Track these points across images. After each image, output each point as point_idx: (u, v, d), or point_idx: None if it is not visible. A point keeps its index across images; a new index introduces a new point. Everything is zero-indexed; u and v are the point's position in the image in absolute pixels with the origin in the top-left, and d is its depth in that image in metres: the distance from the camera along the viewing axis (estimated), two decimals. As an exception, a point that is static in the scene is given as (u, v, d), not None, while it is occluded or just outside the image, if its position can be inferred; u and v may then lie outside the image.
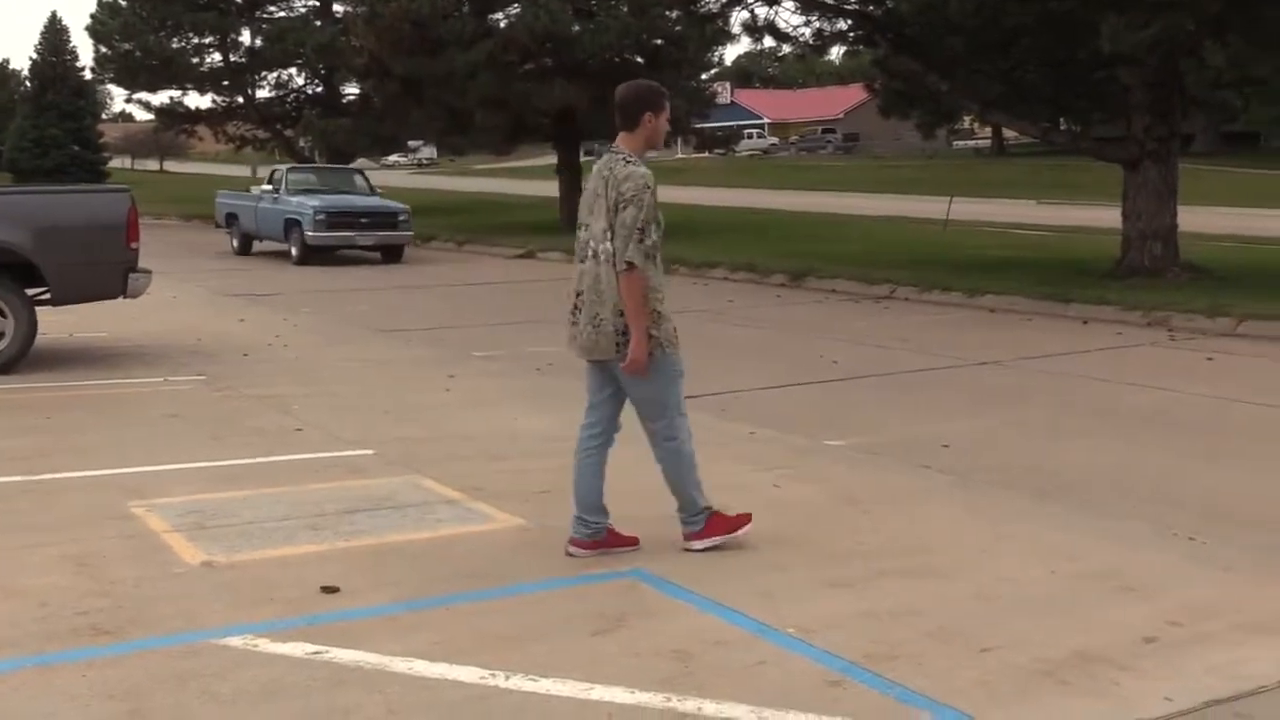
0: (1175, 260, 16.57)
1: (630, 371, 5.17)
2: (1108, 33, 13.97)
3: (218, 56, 38.60)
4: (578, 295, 5.25)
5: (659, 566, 5.28)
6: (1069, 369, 10.68)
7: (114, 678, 4.10)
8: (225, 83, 39.12)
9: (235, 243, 24.80)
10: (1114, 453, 7.61)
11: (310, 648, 4.35)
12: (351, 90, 38.20)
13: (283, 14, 38.58)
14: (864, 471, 7.08)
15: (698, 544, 5.50)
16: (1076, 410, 8.97)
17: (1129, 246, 16.75)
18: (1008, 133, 60.40)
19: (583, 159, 34.53)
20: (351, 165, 31.37)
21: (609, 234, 5.09)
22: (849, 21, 19.26)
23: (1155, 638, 4.52)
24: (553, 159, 31.46)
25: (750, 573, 5.23)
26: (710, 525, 5.53)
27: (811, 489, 6.67)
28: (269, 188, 23.22)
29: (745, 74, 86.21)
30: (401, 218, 22.54)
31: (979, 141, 78.07)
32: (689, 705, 3.92)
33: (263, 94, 39.84)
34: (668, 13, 25.28)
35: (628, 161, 5.18)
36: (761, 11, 19.38)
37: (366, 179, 25.07)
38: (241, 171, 62.22)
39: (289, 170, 24.40)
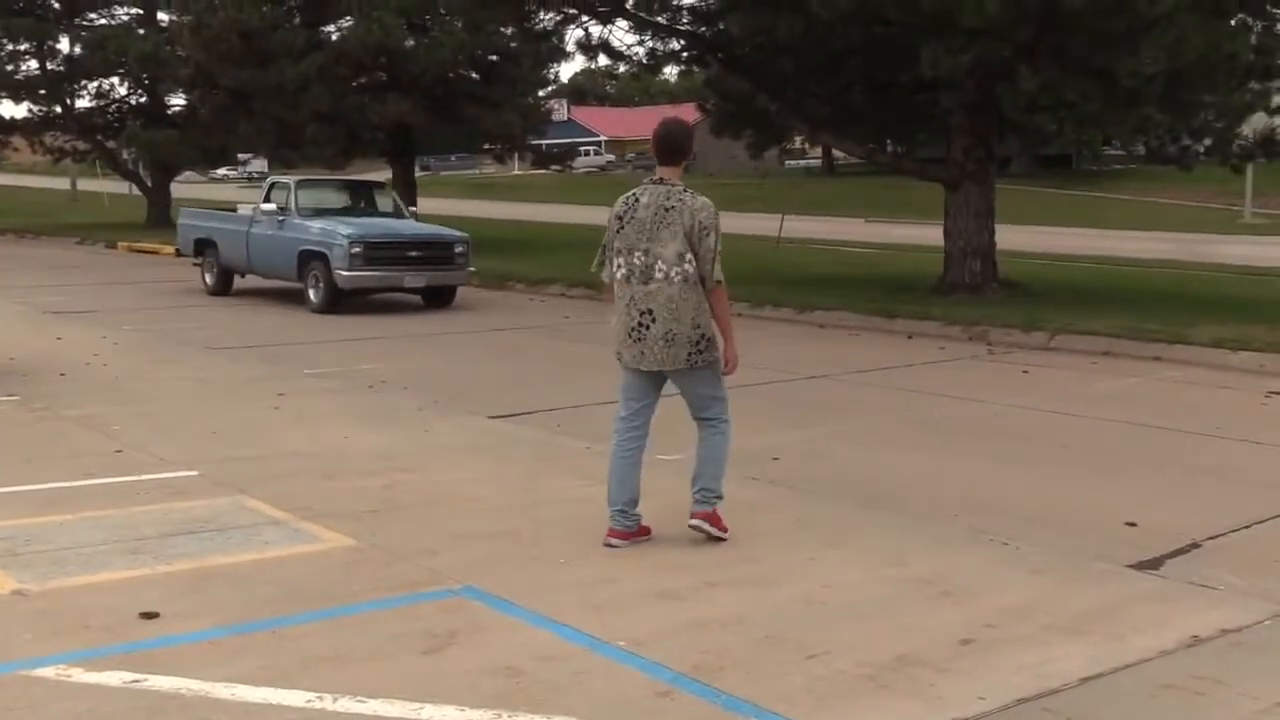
0: (994, 277, 17.25)
1: (730, 372, 5.91)
2: (927, 58, 14.48)
3: (34, 64, 37.00)
4: (644, 314, 5.65)
5: (490, 583, 5.26)
6: (895, 382, 11.01)
7: (-88, 714, 3.90)
8: (42, 91, 37.49)
9: (209, 279, 18.77)
10: (936, 462, 7.88)
11: (128, 676, 4.20)
12: (177, 101, 37.05)
13: (104, 21, 37.21)
14: (696, 484, 7.16)
15: (708, 527, 5.90)
16: (901, 422, 9.25)
17: (950, 264, 17.37)
18: (837, 152, 61.99)
19: (418, 174, 34.24)
20: (373, 177, 23.54)
21: (683, 257, 5.55)
22: (681, 41, 19.54)
23: (971, 640, 4.69)
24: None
25: (582, 586, 5.25)
26: (715, 517, 5.93)
27: (644, 503, 6.70)
28: (270, 207, 17.16)
29: (581, 91, 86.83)
30: (459, 249, 16.88)
31: (810, 161, 79.88)
32: (519, 721, 3.92)
33: (83, 104, 38.30)
34: (502, 29, 25.27)
35: (691, 193, 5.64)
36: (596, 30, 19.55)
37: (394, 195, 19.42)
38: (59, 184, 59.79)
39: (299, 184, 17.62)
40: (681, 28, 19.43)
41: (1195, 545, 6.01)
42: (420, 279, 16.48)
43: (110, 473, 7.20)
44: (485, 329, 14.83)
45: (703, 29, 19.46)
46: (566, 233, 33.00)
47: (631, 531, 5.88)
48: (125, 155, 38.67)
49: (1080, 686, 4.28)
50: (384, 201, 18.62)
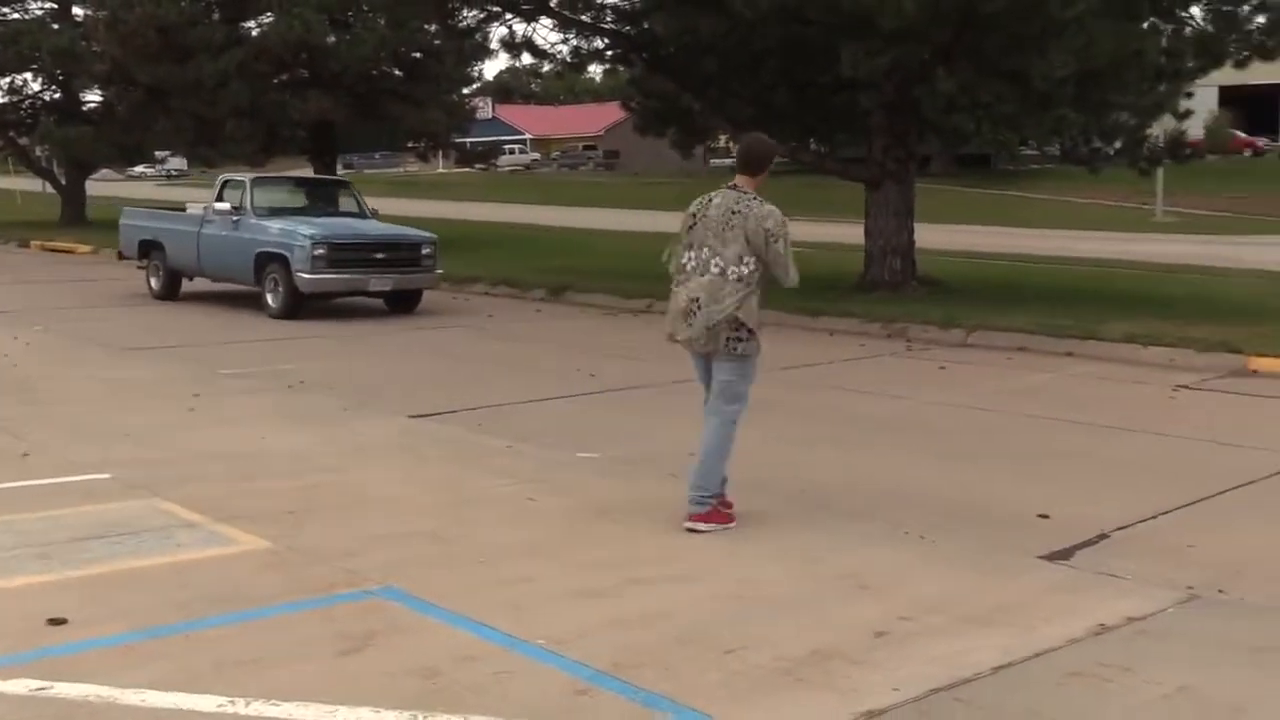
0: (913, 275, 17.47)
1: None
2: (847, 58, 14.63)
3: (-58, 59, 36.09)
4: (692, 300, 6.18)
5: (409, 584, 5.23)
6: (816, 379, 11.11)
7: None
8: (-50, 88, 36.62)
9: (155, 282, 17.85)
10: (855, 458, 7.97)
11: (34, 684, 4.12)
12: (93, 97, 36.32)
13: (16, 15, 36.36)
14: (617, 483, 7.19)
15: (701, 526, 6.11)
16: (820, 418, 9.34)
17: (871, 262, 17.56)
18: (762, 152, 62.37)
19: (340, 172, 33.90)
20: (333, 175, 22.28)
21: (741, 259, 6.09)
22: (606, 40, 19.54)
23: (886, 632, 4.76)
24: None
25: (501, 585, 5.25)
26: (710, 515, 6.16)
27: (565, 501, 6.74)
28: (224, 206, 16.29)
29: (506, 89, 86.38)
30: (426, 250, 16.17)
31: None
32: (436, 721, 3.91)
33: (-7, 100, 37.42)
34: (425, 26, 25.10)
35: (759, 201, 6.15)
36: (520, 28, 19.48)
37: (357, 194, 18.10)
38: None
39: (255, 182, 16.86)
40: (605, 26, 19.44)
41: (1104, 536, 6.14)
42: (386, 282, 15.76)
43: (18, 476, 7.05)
44: (409, 327, 14.73)
45: (627, 28, 19.48)
46: (491, 231, 32.86)
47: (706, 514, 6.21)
48: (39, 152, 37.83)
49: (992, 676, 4.35)
50: (345, 201, 17.83)
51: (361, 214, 17.38)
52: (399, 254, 16.03)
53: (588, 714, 4.01)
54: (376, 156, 77.13)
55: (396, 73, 29.53)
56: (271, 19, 27.27)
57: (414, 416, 9.09)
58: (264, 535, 5.93)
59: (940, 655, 4.52)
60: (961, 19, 14.14)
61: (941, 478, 7.45)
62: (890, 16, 13.41)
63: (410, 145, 34.13)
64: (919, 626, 4.84)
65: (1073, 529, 6.21)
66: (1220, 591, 5.31)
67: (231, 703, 4.00)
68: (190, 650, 4.48)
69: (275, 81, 27.78)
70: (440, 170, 70.73)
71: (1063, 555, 5.83)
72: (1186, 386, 10.64)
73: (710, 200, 6.28)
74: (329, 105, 26.44)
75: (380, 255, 15.81)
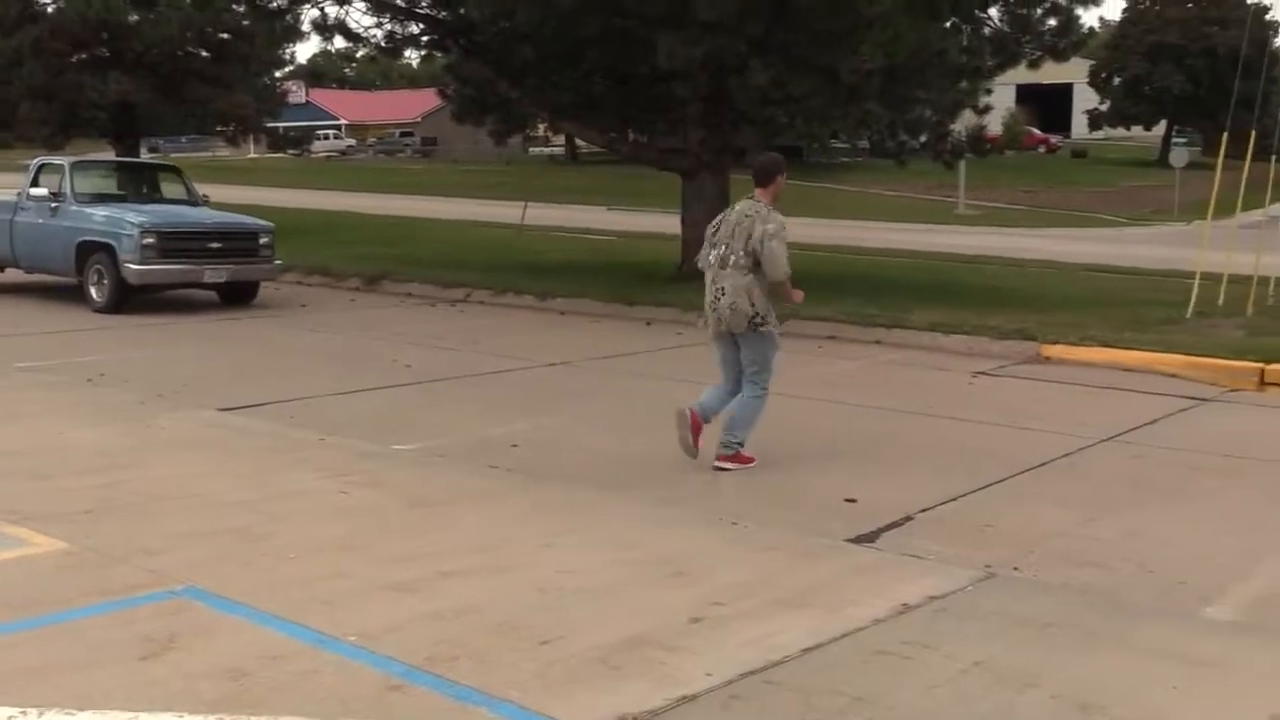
0: (730, 264, 17.74)
1: (797, 300, 7.70)
2: (663, 50, 14.76)
3: None
4: (719, 290, 7.41)
5: (214, 583, 5.07)
6: (633, 368, 11.20)
7: None
8: None
9: None
10: (670, 445, 8.03)
11: None
12: None
13: None
14: (432, 474, 7.12)
15: (728, 465, 7.35)
16: (639, 406, 9.42)
17: (688, 251, 17.73)
18: (581, 140, 62.62)
19: (144, 156, 32.61)
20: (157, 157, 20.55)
21: (750, 254, 7.31)
22: (421, 25, 19.27)
23: (701, 618, 4.83)
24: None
25: (312, 581, 5.13)
26: (735, 457, 7.37)
27: (379, 494, 6.63)
28: (40, 192, 15.15)
29: (319, 73, 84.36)
30: (264, 240, 15.49)
31: (554, 149, 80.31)
32: (243, 724, 3.81)
33: None
34: (234, 6, 24.29)
35: (769, 209, 7.45)
36: (332, 10, 19.04)
37: (187, 180, 17.11)
38: None
39: (75, 166, 15.76)
40: (421, 11, 19.16)
41: (908, 518, 6.36)
42: (222, 273, 14.86)
43: None
44: (218, 317, 14.27)
45: (442, 13, 19.24)
46: (305, 219, 32.04)
47: (728, 455, 7.41)
48: None
49: (801, 657, 4.47)
50: (173, 187, 16.78)
51: (192, 201, 16.51)
52: (235, 244, 15.26)
53: (399, 711, 3.96)
54: (183, 140, 74.46)
55: (203, 54, 28.51)
56: (69, -6, 26.02)
57: (222, 410, 8.82)
58: (60, 536, 5.66)
59: (752, 639, 4.61)
60: (773, 13, 14.43)
61: (756, 464, 7.59)
62: (704, 9, 13.60)
63: (219, 129, 33.05)
64: (732, 611, 4.93)
65: (878, 512, 6.42)
66: (1015, 569, 5.56)
67: (23, 713, 3.82)
68: (-23, 659, 4.26)
69: (73, 61, 26.52)
70: (251, 155, 68.58)
71: (869, 538, 6.02)
72: (985, 373, 11.11)
73: (733, 208, 7.66)
74: (130, 87, 25.42)
75: (215, 245, 15.00)
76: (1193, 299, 14.04)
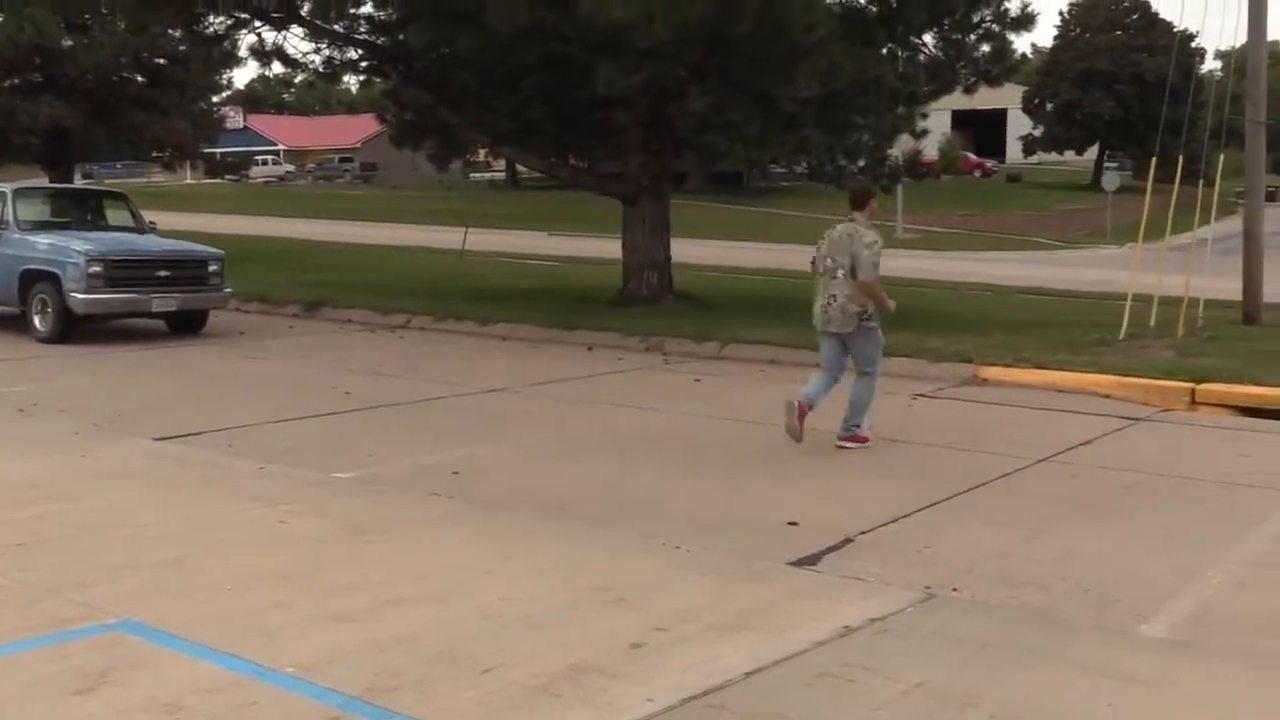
0: (670, 289, 17.83)
1: (890, 310, 8.91)
2: (602, 76, 14.83)
3: None
4: (831, 296, 8.77)
5: (150, 615, 4.99)
6: (574, 393, 11.20)
7: None
8: None
9: None
10: (613, 471, 8.06)
11: None
12: None
13: None
14: (373, 503, 7.06)
15: (849, 444, 8.78)
16: (579, 432, 9.41)
17: (629, 276, 17.83)
18: (522, 166, 62.61)
19: (78, 182, 32.17)
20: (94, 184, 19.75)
21: (852, 266, 8.63)
22: (359, 51, 19.21)
23: (642, 643, 4.83)
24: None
25: (250, 613, 5.07)
26: (854, 437, 8.79)
27: (318, 523, 6.57)
28: None
29: (257, 99, 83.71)
30: (213, 268, 15.24)
31: (495, 174, 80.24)
32: (178, 759, 3.75)
33: None
34: (170, 31, 24.11)
35: (866, 227, 8.77)
36: (270, 36, 18.93)
37: (133, 207, 16.70)
38: None
39: (17, 193, 15.42)
40: (359, 37, 19.10)
41: (849, 540, 6.40)
42: (170, 302, 14.60)
43: None
44: (156, 346, 14.09)
45: (381, 40, 19.19)
46: (243, 245, 31.72)
47: (851, 435, 8.88)
48: None
49: (743, 681, 4.47)
50: (118, 214, 16.38)
51: (138, 228, 16.14)
52: (184, 272, 15.00)
53: (340, 742, 3.92)
54: (119, 166, 73.45)
55: (139, 79, 28.28)
56: (0, 20, 25.67)
57: (158, 439, 8.70)
58: (-11, 570, 5.56)
59: (694, 664, 4.61)
60: (711, 40, 14.54)
61: (696, 488, 7.62)
62: (643, 35, 13.66)
63: (155, 155, 32.74)
64: (674, 636, 4.93)
65: (820, 535, 6.45)
66: (954, 590, 5.61)
67: (-50, 752, 3.74)
68: (-97, 698, 4.16)
69: (5, 86, 26.19)
70: (189, 181, 67.89)
71: (810, 561, 6.04)
72: (924, 395, 11.22)
73: (835, 227, 8.95)
74: (64, 112, 25.14)
75: (163, 273, 14.69)
76: (1125, 321, 14.29)
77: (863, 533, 6.54)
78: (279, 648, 4.67)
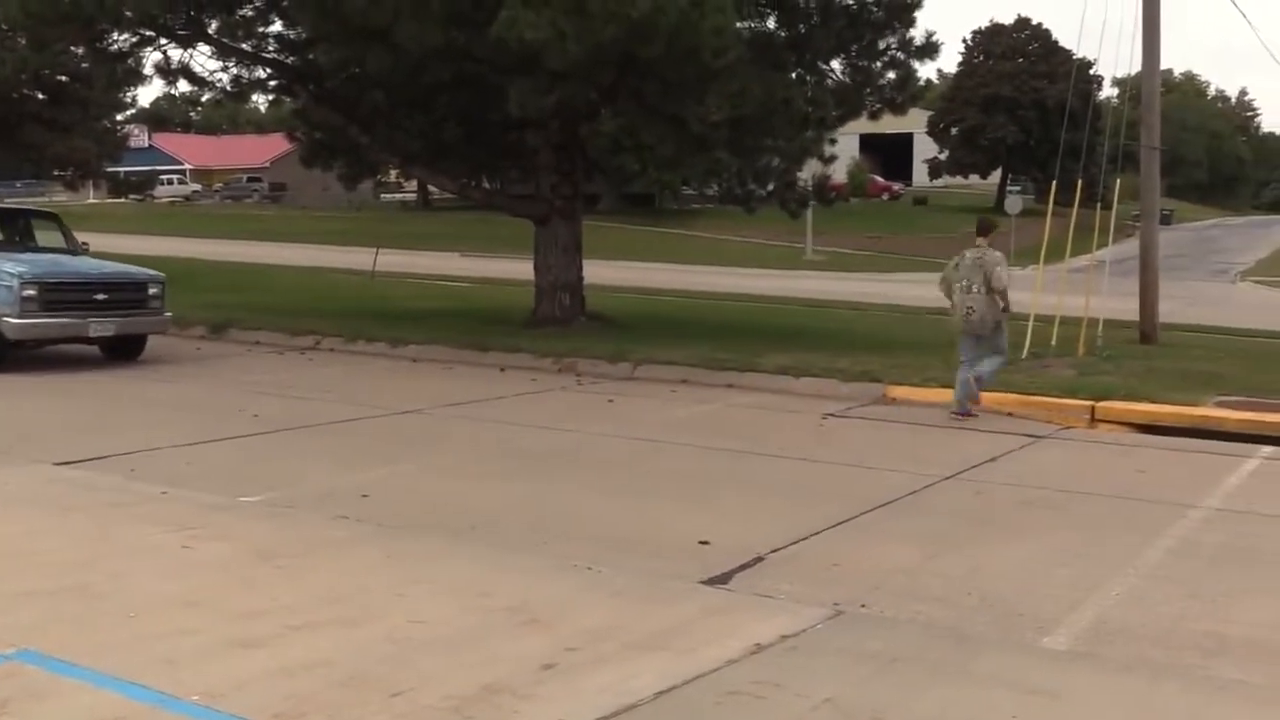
0: (582, 310, 17.86)
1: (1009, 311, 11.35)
2: (515, 97, 14.84)
3: None
4: (969, 308, 11.09)
5: (50, 644, 4.88)
6: (487, 415, 11.16)
7: None
8: None
9: None
10: (525, 492, 8.05)
11: None
12: None
13: None
14: (280, 526, 6.97)
15: (973, 412, 11.07)
16: (492, 453, 9.39)
17: (541, 297, 17.83)
18: (434, 186, 62.31)
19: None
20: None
21: (986, 282, 10.99)
22: (268, 70, 19.00)
23: (554, 664, 4.83)
24: None
25: (153, 640, 4.97)
26: (966, 414, 11.01)
27: (224, 547, 6.47)
28: None
29: (163, 117, 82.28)
30: (153, 291, 14.57)
31: (406, 195, 79.71)
32: (79, 790, 3.66)
33: None
34: (72, 48, 23.63)
35: (991, 250, 11.17)
36: (175, 54, 18.61)
37: (65, 227, 16.00)
38: None
39: None
40: (268, 56, 18.89)
41: (760, 559, 6.46)
42: (109, 326, 13.85)
43: None
44: (60, 369, 13.75)
45: (290, 59, 19.01)
46: (148, 265, 31.13)
47: (967, 413, 11.07)
48: None
49: (655, 700, 4.49)
50: (49, 235, 15.51)
51: (71, 250, 15.43)
52: (122, 295, 14.27)
53: (247, 769, 3.86)
54: (18, 185, 71.67)
55: (40, 96, 27.69)
56: (-108, 34, 25.00)
57: (59, 464, 8.50)
58: (-121, 600, 5.39)
59: (606, 684, 4.62)
60: (622, 63, 14.63)
61: (609, 508, 7.63)
62: (554, 57, 13.71)
63: (57, 173, 32.05)
64: (586, 656, 4.93)
65: (731, 553, 6.50)
66: (863, 606, 5.69)
67: None
68: None
69: (-104, 101, 25.51)
70: (91, 200, 66.40)
71: (722, 579, 6.09)
72: (834, 414, 11.36)
73: (964, 254, 11.36)
74: (-40, 129, 24.47)
75: (101, 296, 13.95)
76: (1027, 340, 14.61)
77: (773, 551, 6.60)
78: (184, 675, 4.59)
